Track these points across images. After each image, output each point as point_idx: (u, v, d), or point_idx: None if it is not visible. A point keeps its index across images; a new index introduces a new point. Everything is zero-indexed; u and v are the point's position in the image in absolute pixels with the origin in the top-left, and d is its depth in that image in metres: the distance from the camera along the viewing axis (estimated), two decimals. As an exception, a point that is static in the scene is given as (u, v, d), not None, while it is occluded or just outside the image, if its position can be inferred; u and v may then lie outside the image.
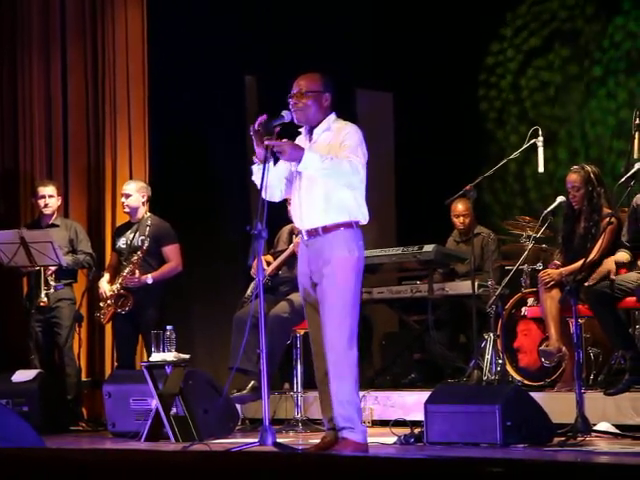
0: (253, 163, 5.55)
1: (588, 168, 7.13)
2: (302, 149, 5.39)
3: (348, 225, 5.47)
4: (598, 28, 9.49)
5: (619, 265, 6.46)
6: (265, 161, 5.36)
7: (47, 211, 8.20)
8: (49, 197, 8.19)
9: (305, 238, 5.57)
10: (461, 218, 8.49)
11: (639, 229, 6.39)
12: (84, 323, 8.38)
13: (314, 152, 5.42)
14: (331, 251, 5.43)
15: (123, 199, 7.98)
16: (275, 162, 5.55)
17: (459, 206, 8.42)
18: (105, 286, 7.92)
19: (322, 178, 5.41)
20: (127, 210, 7.98)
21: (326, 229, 5.47)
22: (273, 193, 5.57)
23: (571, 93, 9.67)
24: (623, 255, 6.47)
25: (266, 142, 5.38)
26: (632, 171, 6.25)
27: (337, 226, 5.46)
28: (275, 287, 7.46)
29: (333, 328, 5.40)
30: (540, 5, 9.91)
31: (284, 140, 5.44)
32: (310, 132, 5.59)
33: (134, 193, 7.95)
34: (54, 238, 7.91)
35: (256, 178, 5.48)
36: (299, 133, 5.68)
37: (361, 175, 5.43)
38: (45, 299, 7.99)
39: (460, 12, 9.86)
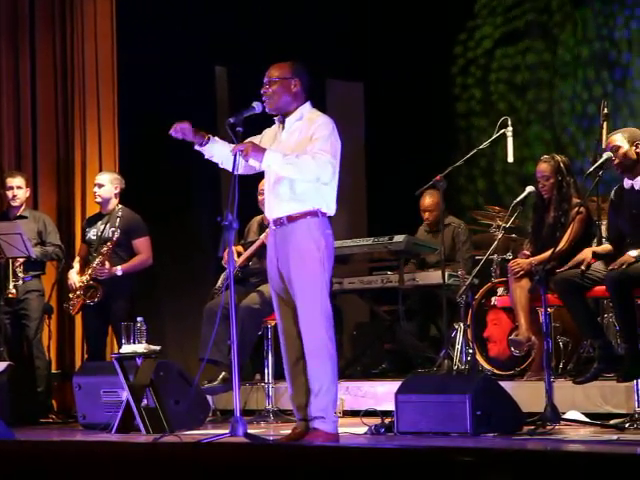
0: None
1: (558, 158, 7.16)
2: (263, 150, 5.40)
3: (313, 214, 5.46)
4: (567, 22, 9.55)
5: (599, 256, 6.47)
6: (234, 163, 5.38)
7: (15, 203, 8.15)
8: (17, 188, 8.14)
9: (272, 227, 5.58)
10: (427, 213, 8.52)
11: (617, 224, 6.40)
12: (54, 315, 8.35)
13: (275, 152, 5.43)
14: (296, 240, 5.44)
15: (95, 189, 7.94)
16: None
17: (426, 201, 8.45)
18: (74, 277, 7.90)
19: (287, 175, 5.42)
20: (99, 200, 7.95)
21: (291, 218, 5.47)
22: (228, 164, 5.61)
23: (540, 85, 9.72)
24: (605, 247, 6.50)
25: (231, 151, 5.42)
26: (600, 161, 6.25)
27: (302, 215, 5.45)
28: (245, 278, 7.46)
29: (307, 319, 5.41)
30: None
31: (246, 141, 5.44)
32: (283, 120, 5.59)
33: (107, 184, 7.93)
34: (23, 230, 7.87)
35: (208, 156, 5.62)
36: (273, 122, 5.69)
37: (330, 171, 5.39)
38: (14, 291, 7.94)
39: (430, 2, 9.88)
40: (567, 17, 9.57)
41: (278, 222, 5.53)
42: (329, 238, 5.51)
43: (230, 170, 5.51)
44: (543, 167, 7.13)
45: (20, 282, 7.99)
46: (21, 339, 8.09)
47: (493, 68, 10.04)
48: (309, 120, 5.51)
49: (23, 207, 8.21)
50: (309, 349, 5.42)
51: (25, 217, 8.18)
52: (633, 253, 6.06)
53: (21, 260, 7.95)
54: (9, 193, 8.14)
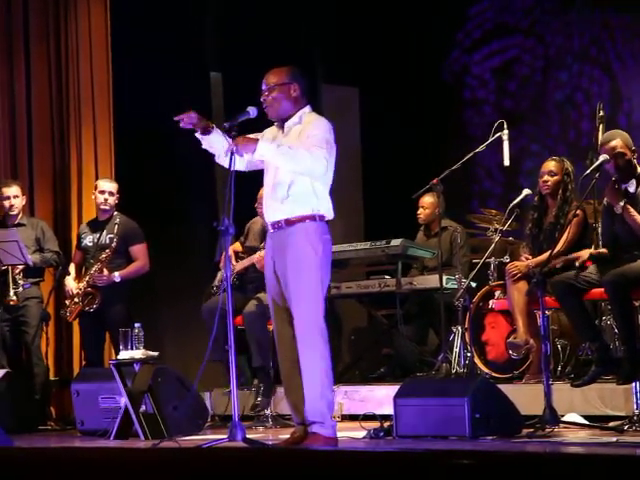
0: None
1: (567, 162, 7.15)
2: (255, 141, 5.39)
3: (311, 218, 5.46)
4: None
5: (595, 258, 6.47)
6: (230, 163, 5.36)
7: (13, 212, 8.14)
8: (14, 198, 8.13)
9: (270, 231, 5.58)
10: (421, 209, 8.50)
11: (612, 228, 6.39)
12: (51, 322, 8.34)
13: (269, 142, 5.43)
14: (293, 244, 5.44)
15: (106, 196, 7.95)
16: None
17: (425, 198, 8.41)
18: (71, 284, 7.90)
19: (281, 165, 5.41)
20: (107, 208, 7.96)
21: (289, 222, 5.47)
22: (224, 160, 5.57)
23: (535, 86, 9.74)
24: (603, 250, 6.49)
25: (225, 152, 5.39)
26: (596, 163, 6.25)
27: (300, 219, 5.46)
28: (243, 285, 7.47)
29: (302, 323, 5.41)
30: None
31: (238, 136, 5.40)
32: (283, 125, 5.59)
33: (115, 193, 7.97)
34: (20, 237, 7.87)
35: (206, 146, 5.57)
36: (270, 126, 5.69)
37: (323, 165, 5.38)
38: (14, 298, 7.92)
39: (424, 5, 9.89)
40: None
41: (276, 225, 5.53)
42: (327, 243, 5.50)
43: (225, 166, 5.46)
44: (551, 164, 7.11)
45: (20, 289, 7.98)
46: (20, 346, 8.09)
47: (489, 68, 10.04)
48: (307, 122, 5.53)
49: (20, 215, 8.21)
50: (303, 352, 5.41)
51: (23, 224, 8.18)
52: None
53: (20, 267, 7.94)
54: (6, 203, 8.13)
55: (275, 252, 5.53)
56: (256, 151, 5.37)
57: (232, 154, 5.36)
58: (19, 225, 8.15)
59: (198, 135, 5.56)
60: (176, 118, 5.49)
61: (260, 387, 7.33)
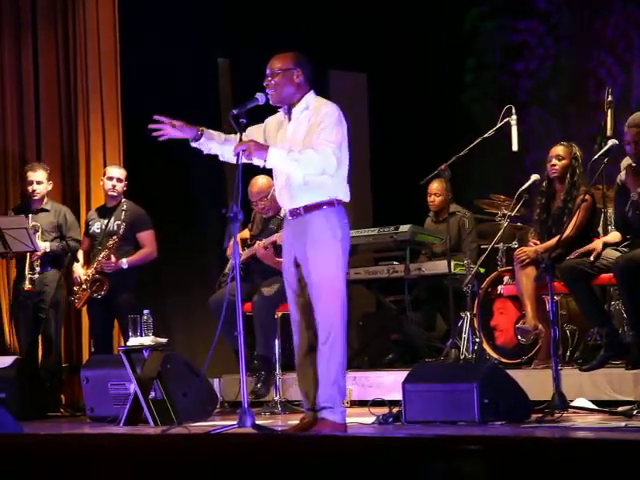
0: None
1: (575, 146, 7.14)
2: (265, 147, 5.39)
3: (330, 204, 5.45)
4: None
5: (608, 245, 6.46)
6: (237, 160, 5.36)
7: (35, 197, 8.12)
8: (37, 183, 8.08)
9: (289, 218, 5.56)
10: (432, 196, 8.51)
11: (624, 211, 6.38)
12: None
13: (279, 149, 5.43)
14: (313, 230, 5.42)
15: (115, 182, 7.94)
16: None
17: (434, 185, 8.43)
18: (80, 270, 7.91)
19: (292, 173, 5.41)
20: (115, 194, 7.95)
21: (308, 208, 5.45)
22: (228, 157, 5.61)
23: (546, 72, 9.71)
24: (615, 235, 6.48)
25: (233, 151, 5.39)
26: (605, 148, 6.25)
27: (319, 205, 5.44)
28: (249, 274, 7.48)
29: (322, 309, 5.40)
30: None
31: (249, 141, 5.40)
32: (289, 111, 5.58)
33: (124, 180, 7.96)
34: (41, 223, 7.91)
35: (206, 151, 5.64)
36: (277, 112, 5.68)
37: (334, 162, 5.37)
38: (30, 285, 7.91)
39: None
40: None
41: (295, 212, 5.51)
42: (346, 228, 5.50)
43: (231, 162, 5.50)
44: (559, 149, 7.10)
45: (36, 276, 7.97)
46: (37, 331, 8.08)
47: (498, 54, 10.01)
48: (315, 109, 5.50)
49: (45, 200, 8.18)
50: (322, 336, 5.40)
51: (47, 210, 8.15)
52: None
53: (39, 254, 7.93)
54: (29, 188, 8.11)
55: (294, 240, 5.51)
56: (267, 159, 5.38)
57: (239, 153, 5.36)
58: (42, 210, 8.13)
59: (193, 144, 5.60)
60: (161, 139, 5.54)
61: (262, 374, 7.33)
